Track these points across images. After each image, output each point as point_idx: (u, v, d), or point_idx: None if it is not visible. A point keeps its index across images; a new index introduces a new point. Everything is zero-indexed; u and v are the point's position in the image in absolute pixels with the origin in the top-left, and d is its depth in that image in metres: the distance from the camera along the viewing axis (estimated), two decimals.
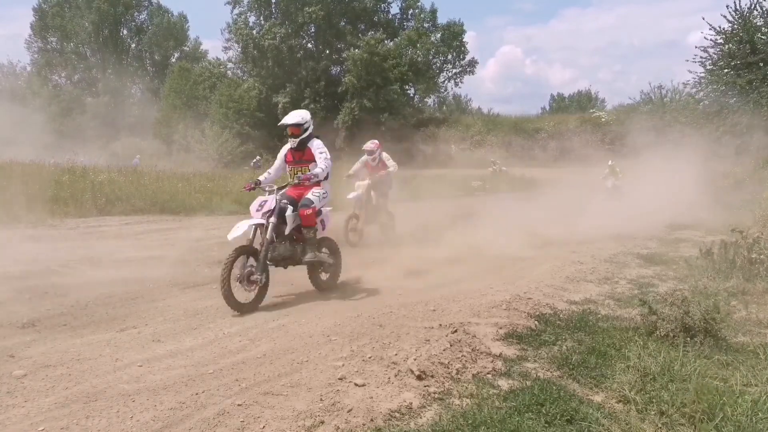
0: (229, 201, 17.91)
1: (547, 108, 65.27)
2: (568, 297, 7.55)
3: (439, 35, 54.23)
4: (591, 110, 50.43)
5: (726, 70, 33.72)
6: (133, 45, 63.06)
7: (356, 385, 4.50)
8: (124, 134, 46.73)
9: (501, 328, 5.79)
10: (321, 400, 4.25)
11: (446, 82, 55.82)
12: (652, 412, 3.91)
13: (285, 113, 41.22)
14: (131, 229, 13.32)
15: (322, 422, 3.91)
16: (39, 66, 58.00)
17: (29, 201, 14.64)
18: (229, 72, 54.69)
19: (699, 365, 4.64)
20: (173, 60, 62.49)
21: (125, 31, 62.40)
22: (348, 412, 4.03)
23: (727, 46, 34.06)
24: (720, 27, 33.30)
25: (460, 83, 56.45)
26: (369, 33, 49.39)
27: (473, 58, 55.63)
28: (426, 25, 53.55)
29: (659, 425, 3.74)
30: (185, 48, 64.51)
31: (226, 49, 55.53)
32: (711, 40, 33.73)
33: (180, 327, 6.05)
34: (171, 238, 12.27)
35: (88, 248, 10.59)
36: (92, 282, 7.95)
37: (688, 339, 5.36)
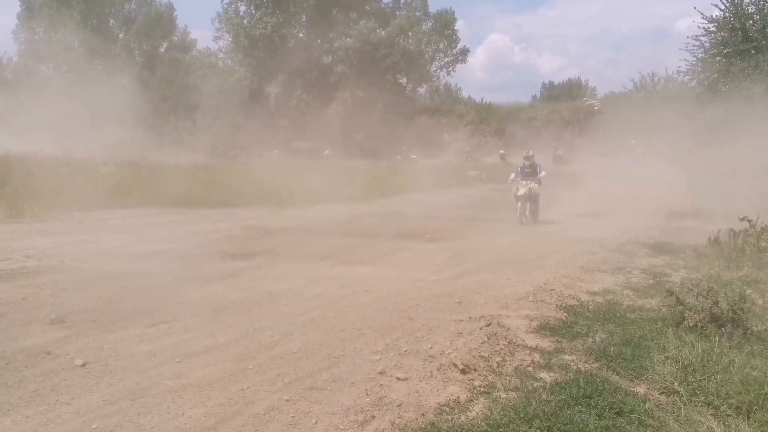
0: (230, 193, 17.86)
1: (538, 96, 65.20)
2: (587, 287, 7.64)
3: (430, 24, 54.15)
4: (584, 98, 50.62)
5: (718, 58, 33.90)
6: (121, 35, 62.33)
7: (398, 379, 4.55)
8: (115, 125, 46.28)
9: (532, 320, 5.87)
10: (367, 394, 4.28)
11: (438, 71, 55.86)
12: (699, 403, 3.98)
13: (277, 103, 40.88)
14: (137, 222, 13.24)
15: (373, 417, 3.95)
16: (26, 57, 57.24)
17: (31, 194, 14.55)
18: (219, 62, 54.26)
19: (734, 356, 4.72)
20: (162, 50, 61.83)
21: (113, 21, 61.66)
22: (398, 406, 4.07)
23: (719, 34, 34.24)
24: (712, 15, 33.50)
25: (452, 72, 56.35)
26: (361, 22, 49.15)
27: (465, 46, 55.63)
28: (418, 14, 53.39)
29: (708, 416, 3.80)
30: (174, 38, 63.86)
31: (216, 38, 55.09)
32: (703, 28, 33.91)
33: (209, 322, 6.04)
34: (178, 232, 12.22)
35: (97, 242, 10.52)
36: (109, 276, 7.92)
37: (717, 329, 5.44)
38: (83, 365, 4.82)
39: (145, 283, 7.56)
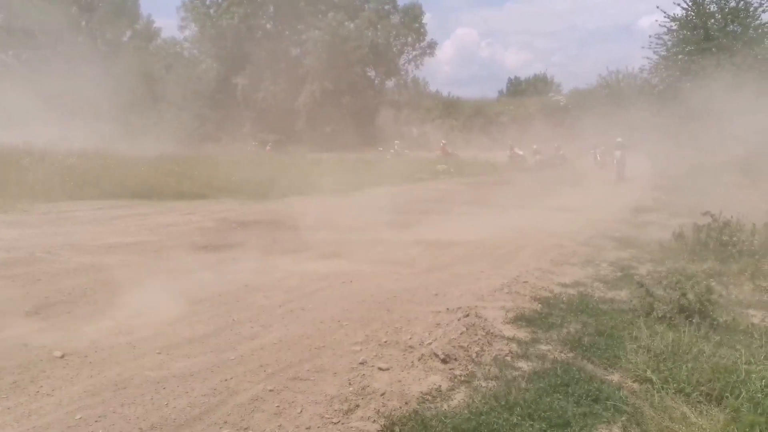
0: (199, 185, 17.68)
1: (504, 91, 65.71)
2: (558, 280, 7.81)
3: (398, 17, 54.11)
4: (550, 94, 51.29)
5: (680, 57, 34.63)
6: (84, 23, 60.98)
7: (380, 369, 4.63)
8: (77, 115, 45.34)
9: (508, 311, 6.01)
10: (350, 384, 4.35)
11: (406, 64, 55.91)
12: (671, 391, 4.13)
13: (245, 94, 40.21)
14: (105, 214, 13.05)
15: (358, 406, 4.02)
16: None
17: None
18: (185, 52, 53.49)
19: (702, 345, 4.90)
20: (125, 39, 60.70)
21: (75, 9, 60.27)
22: (381, 395, 4.15)
23: (681, 33, 34.97)
24: (674, 14, 34.18)
25: (420, 65, 56.43)
26: (329, 14, 48.84)
27: (432, 39, 55.79)
28: (386, 7, 53.29)
29: (680, 402, 3.96)
30: (137, 26, 62.72)
31: (182, 28, 54.28)
32: (665, 26, 34.62)
33: (187, 314, 6.03)
34: (148, 224, 12.08)
35: (66, 234, 10.36)
36: (82, 268, 7.83)
37: (684, 320, 5.63)
38: (62, 357, 4.79)
39: (119, 276, 7.49)
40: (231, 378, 4.44)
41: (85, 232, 10.63)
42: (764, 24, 32.56)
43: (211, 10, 50.60)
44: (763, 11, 32.36)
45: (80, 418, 3.82)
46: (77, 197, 14.87)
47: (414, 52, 55.12)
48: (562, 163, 31.49)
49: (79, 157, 19.56)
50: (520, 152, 33.62)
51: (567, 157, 31.93)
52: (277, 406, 4.02)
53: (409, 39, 54.21)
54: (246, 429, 3.75)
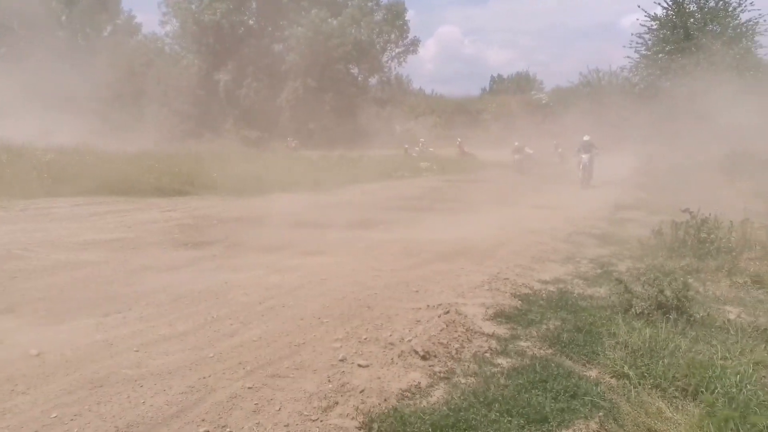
0: (180, 182, 17.54)
1: (487, 89, 65.99)
2: (539, 277, 7.86)
3: (381, 14, 54.11)
4: (532, 92, 51.64)
5: (660, 56, 34.95)
6: (64, 17, 60.21)
7: (360, 366, 4.62)
8: (57, 111, 44.81)
9: (488, 308, 6.03)
10: (329, 381, 4.34)
11: (389, 61, 55.94)
12: (648, 386, 4.18)
13: (227, 91, 40.02)
14: (84, 210, 12.91)
15: (337, 403, 4.01)
16: None
17: None
18: (166, 47, 53.07)
19: (679, 341, 4.96)
20: (106, 34, 60.05)
21: (55, 3, 59.50)
22: (360, 392, 4.14)
23: (661, 32, 35.30)
24: (654, 13, 34.48)
25: (403, 63, 56.50)
26: (312, 11, 48.71)
27: (416, 36, 55.88)
28: (369, 4, 53.25)
29: (656, 398, 4.00)
30: (118, 21, 62.07)
31: (163, 23, 53.83)
32: (646, 26, 34.93)
33: (166, 311, 5.98)
34: (127, 220, 11.98)
35: (44, 231, 10.24)
36: (59, 266, 7.74)
37: (662, 316, 5.68)
38: (38, 355, 4.73)
39: (97, 273, 7.43)
40: (209, 375, 4.41)
41: (62, 229, 10.51)
42: (743, 24, 32.97)
43: (193, 6, 50.17)
44: (742, 11, 32.76)
45: (56, 416, 3.77)
46: (55, 194, 14.70)
47: (397, 50, 55.24)
48: (561, 162, 31.40)
49: (58, 153, 19.34)
50: (530, 151, 33.23)
51: (565, 156, 31.80)
52: (256, 404, 4.00)
53: (392, 36, 54.27)
54: (224, 427, 3.73)
